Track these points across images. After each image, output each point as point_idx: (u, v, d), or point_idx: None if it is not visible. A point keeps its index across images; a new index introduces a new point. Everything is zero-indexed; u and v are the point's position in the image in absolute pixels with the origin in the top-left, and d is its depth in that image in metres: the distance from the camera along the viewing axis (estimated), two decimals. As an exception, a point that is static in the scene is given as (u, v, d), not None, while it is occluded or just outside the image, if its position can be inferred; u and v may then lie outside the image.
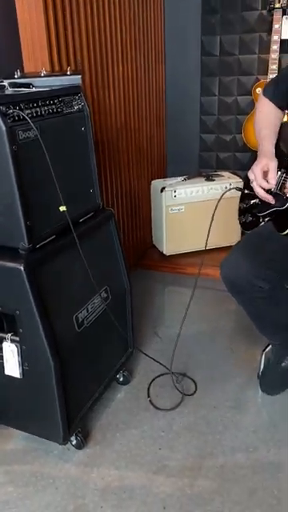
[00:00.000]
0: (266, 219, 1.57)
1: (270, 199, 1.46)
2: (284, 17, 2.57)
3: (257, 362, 1.88)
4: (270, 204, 1.51)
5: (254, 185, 1.47)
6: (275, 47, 2.60)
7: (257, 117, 1.65)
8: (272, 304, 1.52)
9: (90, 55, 2.09)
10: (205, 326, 2.31)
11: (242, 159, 3.05)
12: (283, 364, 1.72)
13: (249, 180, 1.51)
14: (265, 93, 1.63)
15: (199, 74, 2.99)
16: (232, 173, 2.97)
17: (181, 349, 2.00)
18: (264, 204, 1.54)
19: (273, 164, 1.43)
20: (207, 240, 1.61)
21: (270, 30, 2.64)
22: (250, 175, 1.49)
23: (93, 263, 1.56)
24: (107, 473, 1.52)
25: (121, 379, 1.88)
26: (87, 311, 1.57)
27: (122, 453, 1.59)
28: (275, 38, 2.59)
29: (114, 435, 1.66)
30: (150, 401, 1.81)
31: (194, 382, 1.90)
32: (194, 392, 1.85)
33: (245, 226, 1.66)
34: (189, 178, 2.87)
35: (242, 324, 2.13)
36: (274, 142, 1.53)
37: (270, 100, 1.60)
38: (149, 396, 1.83)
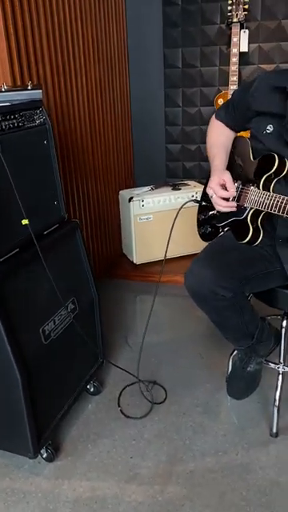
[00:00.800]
0: (226, 229, 1.62)
1: (233, 205, 1.52)
2: (242, 30, 2.67)
3: (226, 366, 1.92)
4: (228, 214, 1.56)
5: (215, 198, 1.53)
6: (234, 59, 2.69)
7: (208, 137, 1.72)
8: (234, 311, 1.55)
9: (52, 69, 2.11)
10: (175, 333, 2.34)
11: (207, 168, 3.09)
12: (248, 369, 1.75)
13: (207, 192, 1.56)
14: (217, 116, 1.71)
15: (163, 86, 3.05)
16: (198, 182, 3.03)
17: (151, 357, 2.03)
18: (223, 214, 1.59)
19: (226, 175, 1.54)
20: (167, 249, 1.65)
21: (229, 43, 2.72)
22: (209, 191, 1.56)
23: (59, 275, 1.57)
24: (79, 484, 1.52)
25: (91, 390, 1.88)
26: (54, 323, 1.57)
27: (94, 463, 1.59)
28: (234, 50, 2.68)
29: (86, 446, 1.66)
30: (120, 410, 1.82)
31: (164, 389, 1.92)
32: (165, 399, 1.87)
33: (204, 237, 1.71)
34: (156, 188, 2.92)
35: (211, 330, 2.16)
36: (225, 160, 1.61)
37: (222, 122, 1.69)
38: (119, 405, 1.84)
